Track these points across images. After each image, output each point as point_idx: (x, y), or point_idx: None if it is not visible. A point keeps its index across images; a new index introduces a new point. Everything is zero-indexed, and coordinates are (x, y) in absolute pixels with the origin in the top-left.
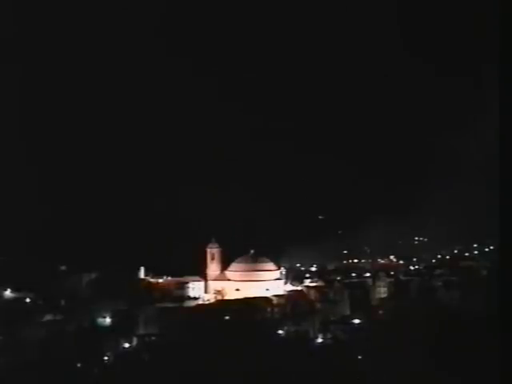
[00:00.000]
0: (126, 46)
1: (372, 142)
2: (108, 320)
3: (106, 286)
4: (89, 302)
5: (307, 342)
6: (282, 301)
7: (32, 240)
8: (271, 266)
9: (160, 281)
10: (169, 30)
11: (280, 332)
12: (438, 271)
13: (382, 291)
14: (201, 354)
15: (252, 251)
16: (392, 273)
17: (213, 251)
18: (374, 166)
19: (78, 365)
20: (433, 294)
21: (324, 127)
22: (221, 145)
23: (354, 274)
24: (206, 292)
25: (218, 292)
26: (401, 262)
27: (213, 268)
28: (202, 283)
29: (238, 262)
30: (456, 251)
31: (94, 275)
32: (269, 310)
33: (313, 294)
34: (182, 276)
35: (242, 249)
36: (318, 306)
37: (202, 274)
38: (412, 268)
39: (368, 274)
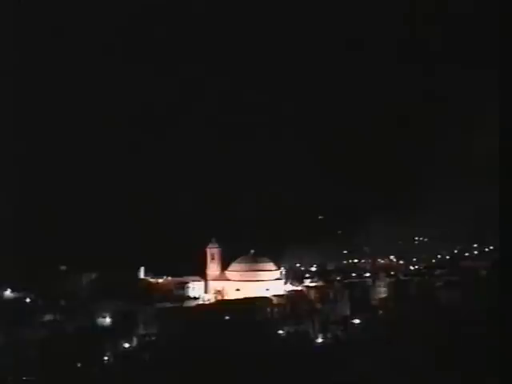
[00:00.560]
0: (126, 46)
1: (372, 142)
2: (108, 320)
3: (105, 286)
4: (89, 301)
5: (307, 342)
6: (282, 301)
7: (32, 240)
8: (271, 266)
9: (160, 281)
10: (169, 30)
11: (280, 332)
12: (438, 271)
13: (381, 291)
14: (201, 354)
15: (252, 251)
16: (392, 273)
17: (213, 251)
18: (374, 166)
19: (78, 365)
20: (433, 294)
21: (324, 127)
22: (221, 145)
23: (354, 274)
24: (206, 292)
25: (218, 292)
26: (401, 262)
27: (213, 268)
28: (202, 283)
29: (238, 262)
30: (456, 251)
31: (93, 275)
32: (269, 310)
33: (313, 294)
34: (181, 276)
35: (242, 249)
36: (318, 306)
37: (202, 274)
38: (412, 268)
39: (368, 274)
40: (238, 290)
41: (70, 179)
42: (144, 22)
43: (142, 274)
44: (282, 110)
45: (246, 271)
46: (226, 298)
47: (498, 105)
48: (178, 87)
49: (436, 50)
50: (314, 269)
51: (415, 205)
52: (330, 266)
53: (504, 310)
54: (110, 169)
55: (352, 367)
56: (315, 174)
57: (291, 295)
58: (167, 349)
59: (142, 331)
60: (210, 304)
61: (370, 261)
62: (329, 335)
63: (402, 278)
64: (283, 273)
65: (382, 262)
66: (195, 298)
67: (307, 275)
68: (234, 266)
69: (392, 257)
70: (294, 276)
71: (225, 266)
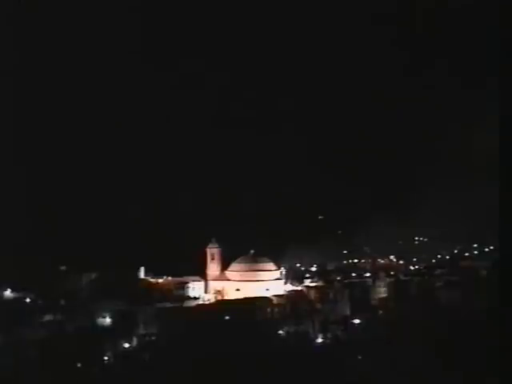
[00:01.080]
0: (127, 47)
1: (372, 142)
2: (108, 320)
3: (105, 285)
4: (89, 301)
5: (307, 342)
6: (282, 301)
7: (32, 240)
8: (271, 266)
9: (160, 281)
10: (169, 30)
11: (280, 332)
12: (438, 271)
13: (382, 291)
14: (201, 354)
15: (252, 251)
16: (392, 273)
17: (213, 251)
18: (374, 166)
19: (78, 365)
20: (433, 294)
21: (324, 127)
22: (220, 145)
23: (354, 274)
24: (206, 292)
25: (218, 292)
26: (401, 262)
27: (213, 268)
28: (202, 283)
29: (238, 262)
30: (456, 251)
31: (93, 275)
32: (269, 310)
33: (313, 294)
34: (181, 276)
35: (242, 249)
36: (318, 306)
37: (202, 274)
38: (412, 268)
39: (368, 274)
40: (238, 290)
41: (70, 179)
42: (144, 22)
43: (142, 274)
44: (281, 110)
45: (246, 271)
46: (225, 298)
47: (497, 105)
48: (177, 83)
49: (437, 47)
50: (314, 269)
51: (415, 205)
52: (330, 266)
53: (504, 310)
54: (110, 169)
55: (352, 367)
56: (315, 173)
57: (291, 295)
58: (167, 349)
59: (141, 331)
60: (209, 304)
61: (370, 261)
62: (329, 335)
63: (402, 277)
64: (283, 273)
65: (382, 262)
66: (195, 298)
67: (307, 275)
68: (233, 265)
69: (392, 257)
70: (294, 276)
71: (225, 266)
